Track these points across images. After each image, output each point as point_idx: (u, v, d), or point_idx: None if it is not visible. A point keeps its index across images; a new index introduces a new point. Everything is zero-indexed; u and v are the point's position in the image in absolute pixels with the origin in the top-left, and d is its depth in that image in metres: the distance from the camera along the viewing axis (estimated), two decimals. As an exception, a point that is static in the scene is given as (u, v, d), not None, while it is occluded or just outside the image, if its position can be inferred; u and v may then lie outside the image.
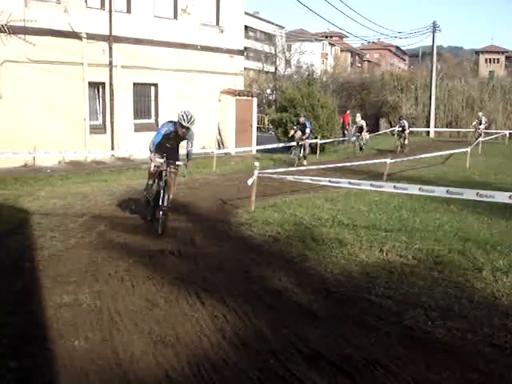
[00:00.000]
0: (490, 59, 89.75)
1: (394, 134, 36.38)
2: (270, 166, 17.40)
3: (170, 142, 8.94)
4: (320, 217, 9.57)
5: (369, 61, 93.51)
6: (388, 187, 9.20)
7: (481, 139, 27.07)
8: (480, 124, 31.24)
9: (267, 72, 53.44)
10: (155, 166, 8.81)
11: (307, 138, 20.56)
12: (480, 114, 32.59)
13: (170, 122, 9.02)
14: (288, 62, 52.67)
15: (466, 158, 19.07)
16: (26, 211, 10.27)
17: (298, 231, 8.59)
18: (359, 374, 4.10)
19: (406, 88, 43.19)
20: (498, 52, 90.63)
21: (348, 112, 34.15)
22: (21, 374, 4.09)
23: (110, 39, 20.13)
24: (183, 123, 8.60)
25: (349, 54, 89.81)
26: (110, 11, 20.00)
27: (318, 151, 23.84)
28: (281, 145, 23.70)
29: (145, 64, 21.10)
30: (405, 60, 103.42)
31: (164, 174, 8.71)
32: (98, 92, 20.74)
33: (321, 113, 25.07)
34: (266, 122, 39.36)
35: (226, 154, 22.56)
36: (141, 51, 20.85)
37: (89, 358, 4.35)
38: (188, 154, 9.05)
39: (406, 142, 26.82)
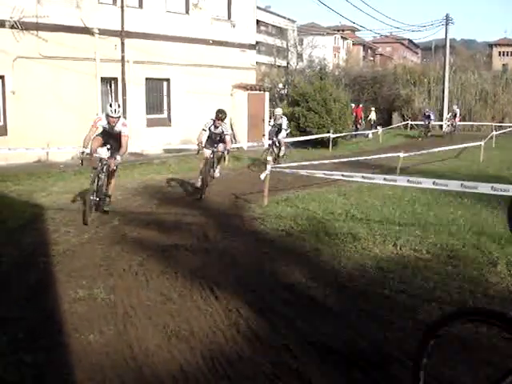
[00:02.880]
0: (503, 52, 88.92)
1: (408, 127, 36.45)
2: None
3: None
4: (333, 211, 9.54)
5: (381, 54, 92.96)
6: (401, 181, 9.14)
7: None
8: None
9: (279, 66, 53.28)
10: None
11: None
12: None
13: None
14: (300, 56, 52.51)
15: (480, 151, 18.95)
16: (39, 206, 10.33)
17: (311, 225, 8.57)
18: (373, 368, 4.08)
19: (419, 81, 42.96)
20: (511, 45, 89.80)
21: (361, 106, 34.04)
22: (36, 368, 4.10)
23: (122, 34, 20.16)
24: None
25: (361, 48, 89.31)
26: (122, 6, 20.02)
27: (330, 145, 23.80)
28: (294, 139, 23.60)
29: (157, 59, 21.12)
30: (417, 53, 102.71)
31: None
32: (111, 87, 20.80)
33: (333, 107, 25.00)
34: (278, 117, 39.25)
35: (238, 148, 22.50)
36: (153, 46, 20.87)
37: (103, 352, 4.36)
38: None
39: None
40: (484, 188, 7.48)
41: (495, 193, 7.37)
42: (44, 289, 5.80)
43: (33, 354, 4.28)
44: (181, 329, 4.77)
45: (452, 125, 31.91)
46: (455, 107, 32.96)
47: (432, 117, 32.24)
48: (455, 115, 32.06)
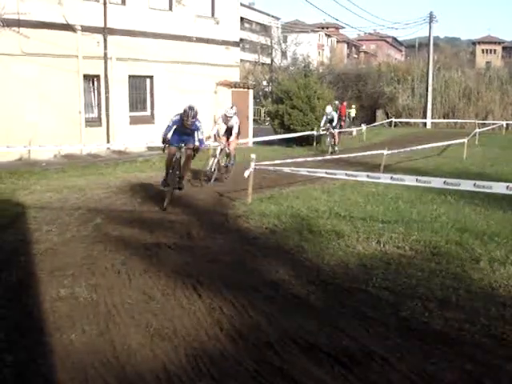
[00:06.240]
0: (486, 50, 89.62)
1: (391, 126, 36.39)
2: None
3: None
4: (317, 208, 9.55)
5: (365, 52, 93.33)
6: (385, 178, 9.15)
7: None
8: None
9: (263, 64, 53.35)
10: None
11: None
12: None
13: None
14: (284, 54, 52.66)
15: (463, 149, 19.07)
16: (21, 205, 10.22)
17: (295, 223, 8.57)
18: (356, 365, 4.09)
19: (403, 79, 43.20)
20: (494, 43, 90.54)
21: (344, 103, 34.11)
22: (17, 367, 4.07)
23: (105, 31, 20.01)
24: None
25: (345, 45, 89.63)
26: (105, 3, 19.87)
27: (314, 143, 23.84)
28: (278, 137, 23.59)
29: (140, 56, 21.00)
30: (401, 51, 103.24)
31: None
32: (93, 85, 20.63)
33: (317, 104, 25.00)
34: (263, 114, 39.32)
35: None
36: (136, 43, 20.76)
37: (86, 351, 4.33)
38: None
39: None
40: (467, 185, 7.51)
41: (478, 189, 7.41)
42: (25, 288, 5.75)
43: (14, 354, 4.24)
44: (163, 327, 4.75)
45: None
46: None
47: None
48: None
